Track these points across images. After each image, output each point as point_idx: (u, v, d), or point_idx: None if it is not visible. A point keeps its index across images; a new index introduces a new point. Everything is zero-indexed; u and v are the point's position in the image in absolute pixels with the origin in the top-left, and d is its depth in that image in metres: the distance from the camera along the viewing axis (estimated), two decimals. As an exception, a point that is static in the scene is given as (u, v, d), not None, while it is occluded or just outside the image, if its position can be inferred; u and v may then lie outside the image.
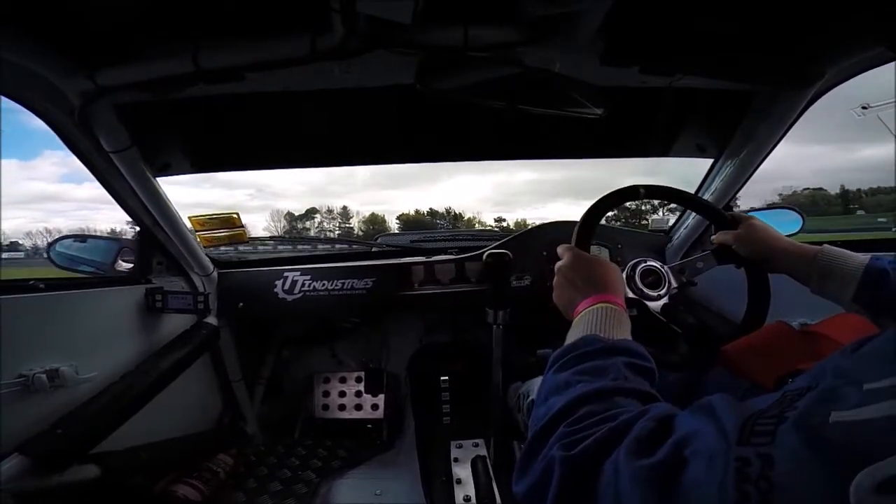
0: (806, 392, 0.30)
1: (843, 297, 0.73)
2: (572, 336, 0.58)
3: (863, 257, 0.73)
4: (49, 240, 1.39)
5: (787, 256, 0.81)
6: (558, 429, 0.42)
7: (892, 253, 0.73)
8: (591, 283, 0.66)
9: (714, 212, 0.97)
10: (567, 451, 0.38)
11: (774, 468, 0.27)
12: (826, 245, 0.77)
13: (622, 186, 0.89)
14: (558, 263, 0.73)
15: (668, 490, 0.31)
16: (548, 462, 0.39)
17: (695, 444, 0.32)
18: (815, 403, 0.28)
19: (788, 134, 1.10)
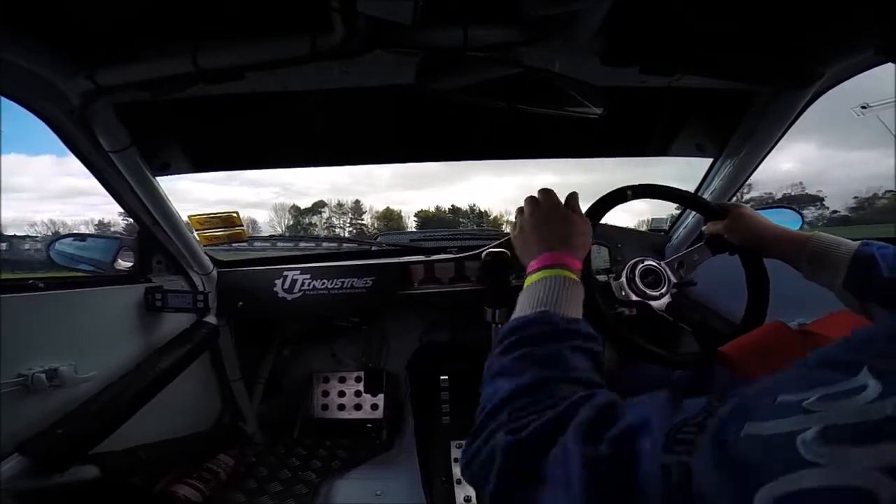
0: (728, 399, 0.31)
1: (834, 284, 0.73)
2: (522, 304, 0.57)
3: (853, 244, 0.73)
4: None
5: (779, 242, 0.82)
6: (502, 414, 0.43)
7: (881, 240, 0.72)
8: (552, 235, 0.64)
9: (701, 203, 0.97)
10: (513, 435, 0.39)
11: (693, 479, 0.27)
12: (817, 232, 0.77)
13: (610, 190, 0.89)
14: (527, 199, 0.71)
15: (614, 484, 0.32)
16: (492, 446, 0.40)
17: (634, 438, 0.32)
18: (733, 413, 0.29)
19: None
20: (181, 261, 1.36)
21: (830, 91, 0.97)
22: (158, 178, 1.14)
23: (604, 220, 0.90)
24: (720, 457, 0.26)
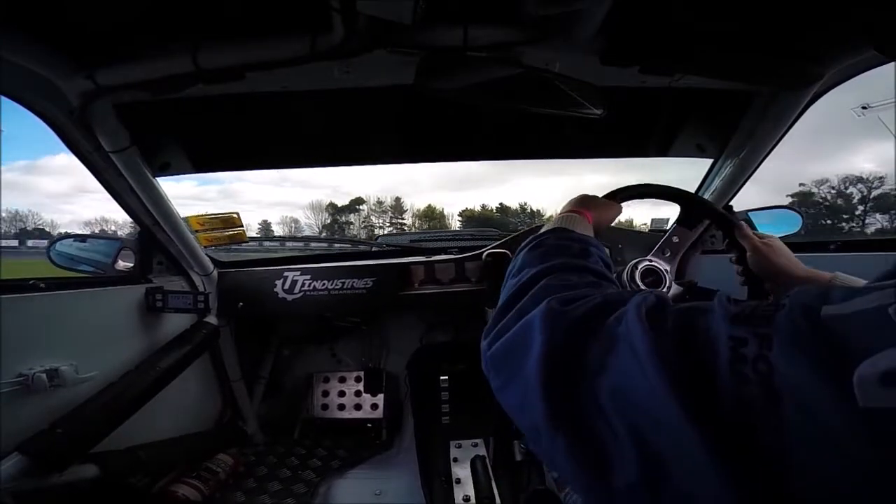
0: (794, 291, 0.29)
1: None
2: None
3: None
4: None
5: (801, 278, 0.77)
6: (540, 284, 0.41)
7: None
8: (579, 203, 0.70)
9: (723, 218, 0.91)
10: (561, 305, 0.37)
11: (773, 349, 0.25)
12: (839, 273, 0.75)
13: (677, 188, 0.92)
14: None
15: (677, 363, 0.29)
16: (531, 317, 0.37)
17: (697, 320, 0.31)
18: (810, 296, 0.27)
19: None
20: (181, 261, 1.36)
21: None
22: (159, 179, 1.14)
23: None
24: (808, 330, 0.25)
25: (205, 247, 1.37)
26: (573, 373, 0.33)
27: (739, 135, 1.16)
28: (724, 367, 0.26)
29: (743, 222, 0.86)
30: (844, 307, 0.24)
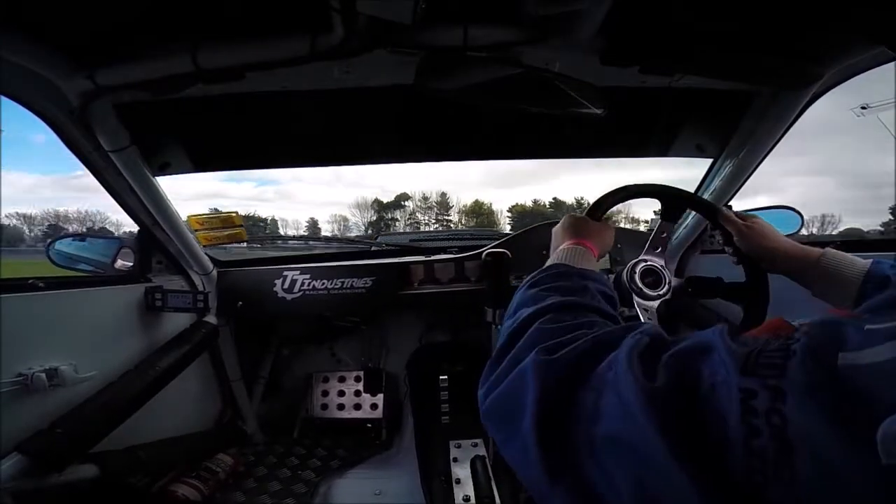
0: (804, 326, 0.28)
1: (845, 303, 0.72)
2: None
3: (864, 262, 0.71)
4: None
5: (788, 258, 0.80)
6: (531, 330, 0.40)
7: (893, 255, 0.70)
8: (572, 232, 0.71)
9: (705, 206, 0.96)
10: (547, 354, 0.36)
11: (787, 402, 0.24)
12: (829, 249, 0.76)
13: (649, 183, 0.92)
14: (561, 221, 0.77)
15: (673, 414, 0.28)
16: (523, 367, 0.37)
17: (697, 359, 0.29)
18: (821, 339, 0.26)
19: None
20: (181, 261, 1.36)
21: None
22: (158, 178, 1.14)
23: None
24: (823, 381, 0.24)
25: (204, 246, 1.37)
26: (567, 424, 0.33)
27: (739, 135, 1.16)
28: (734, 420, 0.25)
29: (724, 206, 0.88)
30: (862, 356, 0.24)
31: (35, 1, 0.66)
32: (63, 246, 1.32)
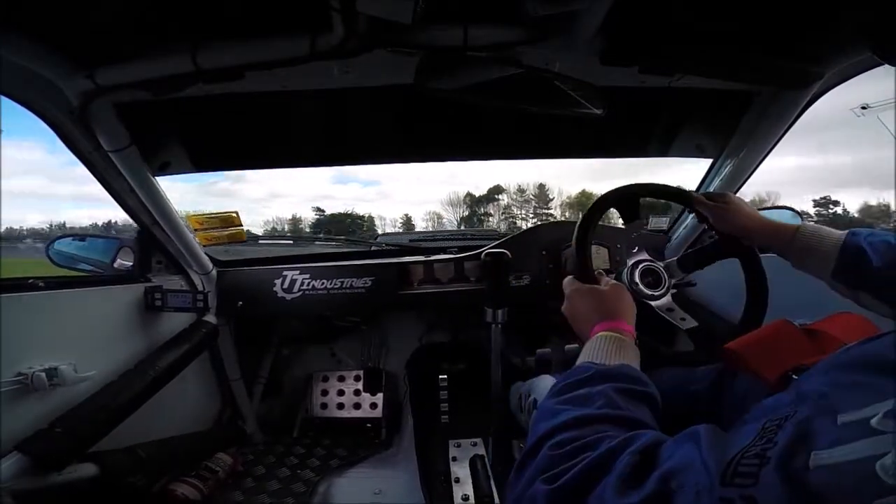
0: (785, 422, 0.30)
1: (823, 274, 0.73)
2: (577, 363, 0.59)
3: (840, 234, 0.72)
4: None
5: (765, 232, 0.82)
6: (539, 455, 0.41)
7: (868, 228, 0.71)
8: (599, 312, 0.68)
9: (683, 195, 0.97)
10: (549, 483, 0.38)
11: None
12: (806, 222, 0.77)
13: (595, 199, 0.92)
14: (567, 297, 0.75)
15: None
16: (532, 495, 0.39)
17: (680, 477, 0.31)
18: (794, 442, 0.28)
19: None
20: (181, 260, 1.36)
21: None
22: (158, 178, 1.14)
23: (603, 221, 0.91)
24: (791, 489, 0.25)
25: (204, 246, 1.37)
26: None
27: (739, 135, 1.16)
28: None
29: (695, 192, 0.90)
30: (833, 455, 0.25)
31: (35, 1, 0.66)
32: (63, 246, 1.32)
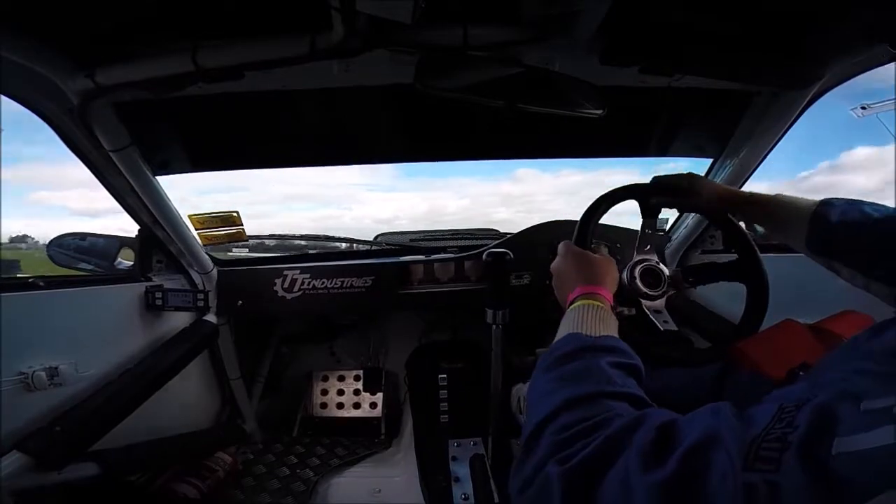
0: (803, 405, 0.30)
1: (797, 243, 0.73)
2: (559, 334, 0.58)
3: (809, 205, 0.71)
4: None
5: (743, 203, 0.82)
6: (544, 437, 0.41)
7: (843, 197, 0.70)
8: (581, 275, 0.68)
9: (632, 188, 0.93)
10: (562, 464, 0.37)
11: (782, 497, 0.26)
12: (780, 194, 0.77)
13: (621, 186, 0.90)
14: (559, 254, 0.75)
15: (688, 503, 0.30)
16: (545, 477, 0.38)
17: (706, 455, 0.31)
18: (816, 427, 0.27)
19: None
20: (181, 259, 1.36)
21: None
22: (158, 177, 1.14)
23: (603, 221, 0.90)
24: (814, 474, 0.25)
25: (204, 245, 1.37)
26: None
27: (739, 135, 1.16)
28: None
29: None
30: (857, 441, 0.25)
31: (35, 1, 0.66)
32: (64, 245, 1.32)
